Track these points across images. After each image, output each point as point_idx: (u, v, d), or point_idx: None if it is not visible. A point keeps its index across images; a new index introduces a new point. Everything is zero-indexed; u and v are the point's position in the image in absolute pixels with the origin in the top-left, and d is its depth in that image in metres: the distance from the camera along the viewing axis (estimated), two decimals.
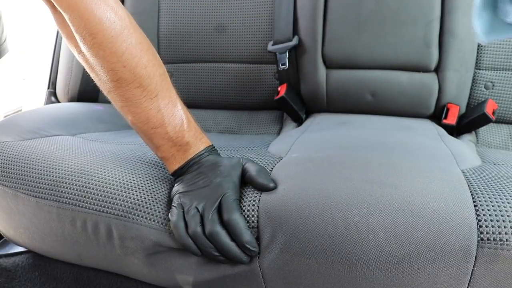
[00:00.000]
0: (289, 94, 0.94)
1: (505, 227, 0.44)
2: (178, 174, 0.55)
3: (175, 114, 0.54)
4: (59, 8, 0.49)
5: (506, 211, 0.46)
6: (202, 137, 0.57)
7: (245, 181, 0.54)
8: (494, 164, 0.63)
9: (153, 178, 0.58)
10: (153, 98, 0.52)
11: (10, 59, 1.11)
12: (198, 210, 0.50)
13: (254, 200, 0.52)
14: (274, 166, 0.59)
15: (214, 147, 0.58)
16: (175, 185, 0.55)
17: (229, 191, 0.51)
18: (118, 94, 0.52)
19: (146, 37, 0.54)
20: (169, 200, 0.55)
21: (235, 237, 0.49)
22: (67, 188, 0.58)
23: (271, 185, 0.52)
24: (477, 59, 0.89)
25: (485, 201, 0.47)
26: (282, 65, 0.95)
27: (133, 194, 0.55)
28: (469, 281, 0.45)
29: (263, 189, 0.52)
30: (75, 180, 0.58)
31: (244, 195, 0.53)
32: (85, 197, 0.56)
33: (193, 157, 0.54)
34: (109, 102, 0.56)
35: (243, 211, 0.51)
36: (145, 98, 0.52)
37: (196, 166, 0.54)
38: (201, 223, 0.50)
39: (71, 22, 0.49)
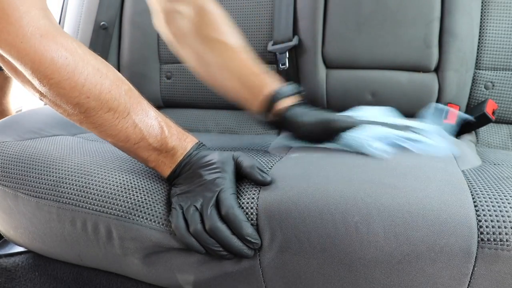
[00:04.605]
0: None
1: (505, 227, 0.44)
2: (172, 178, 0.55)
3: (152, 124, 0.53)
4: (8, 57, 0.48)
5: (506, 211, 0.46)
6: (187, 137, 0.56)
7: (240, 175, 0.54)
8: (494, 164, 0.63)
9: (152, 178, 0.58)
10: (126, 117, 0.52)
11: None
12: (196, 208, 0.50)
13: (253, 198, 0.52)
14: (273, 166, 0.59)
15: (201, 143, 0.57)
16: (172, 188, 0.55)
17: (225, 186, 0.51)
18: (91, 123, 0.52)
19: (103, 61, 0.53)
20: (169, 201, 0.55)
21: (236, 230, 0.49)
22: (67, 188, 0.58)
23: (268, 179, 0.53)
24: (477, 59, 0.89)
25: (485, 201, 0.47)
26: (282, 65, 0.95)
27: (133, 195, 0.55)
28: (469, 281, 0.45)
29: (260, 184, 0.53)
30: (75, 180, 0.58)
31: (243, 193, 0.53)
32: (85, 197, 0.56)
33: (182, 159, 0.55)
34: None
35: (242, 209, 0.51)
36: (118, 119, 0.51)
37: (188, 166, 0.54)
38: (201, 221, 0.50)
39: (23, 68, 0.48)
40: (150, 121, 0.53)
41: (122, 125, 0.52)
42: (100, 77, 0.51)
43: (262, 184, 0.53)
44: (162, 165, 0.55)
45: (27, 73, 0.49)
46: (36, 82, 0.49)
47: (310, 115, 0.64)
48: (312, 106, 0.66)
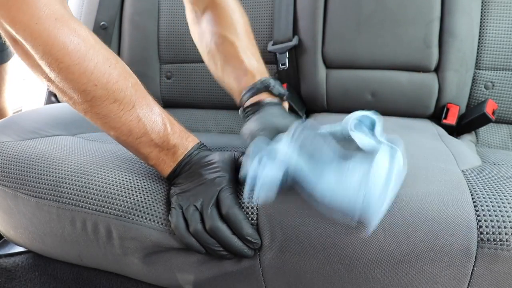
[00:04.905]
0: (289, 94, 0.94)
1: (505, 227, 0.44)
2: (172, 177, 0.55)
3: (156, 120, 0.54)
4: (20, 39, 0.49)
5: (506, 211, 0.46)
6: (188, 136, 0.57)
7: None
8: (494, 164, 0.63)
9: (152, 178, 0.58)
10: (131, 110, 0.52)
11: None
12: (196, 208, 0.50)
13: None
14: None
15: (202, 144, 0.58)
16: (172, 187, 0.55)
17: (225, 186, 0.51)
18: (96, 113, 0.52)
19: (112, 53, 0.54)
20: (168, 200, 0.55)
21: (236, 230, 0.49)
22: (67, 188, 0.58)
23: None
24: (477, 59, 0.89)
25: (485, 201, 0.47)
26: (282, 65, 0.95)
27: (132, 195, 0.55)
28: (469, 281, 0.45)
29: None
30: (75, 180, 0.58)
31: (243, 193, 0.53)
32: (84, 197, 0.56)
33: (183, 158, 0.55)
34: None
35: (243, 208, 0.51)
36: (123, 112, 0.52)
37: (188, 166, 0.54)
38: (202, 220, 0.50)
39: (34, 51, 0.49)
40: (154, 116, 0.54)
41: (126, 118, 0.52)
42: (109, 66, 0.51)
43: None
44: (162, 164, 0.55)
45: (37, 56, 0.49)
46: (46, 66, 0.49)
47: (257, 120, 0.60)
48: (281, 110, 0.62)
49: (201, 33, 0.71)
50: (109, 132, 0.54)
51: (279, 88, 0.65)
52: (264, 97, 0.64)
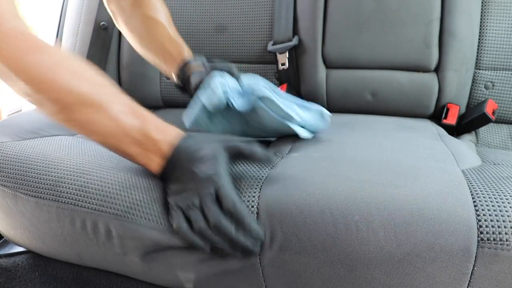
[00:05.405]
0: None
1: (505, 227, 0.44)
2: (164, 175, 0.55)
3: (131, 118, 0.53)
4: None
5: (506, 211, 0.46)
6: (169, 128, 0.56)
7: (239, 158, 0.55)
8: (494, 164, 0.63)
9: (151, 176, 0.58)
10: (105, 111, 0.52)
11: None
12: (197, 207, 0.50)
13: (254, 197, 0.52)
14: (274, 166, 0.59)
15: (186, 134, 0.56)
16: (167, 187, 0.54)
17: (223, 181, 0.50)
18: (73, 120, 0.52)
19: (79, 59, 0.55)
20: (167, 200, 0.55)
21: (240, 224, 0.49)
22: (66, 188, 0.58)
23: (270, 155, 0.54)
24: (477, 59, 0.89)
25: (485, 201, 0.47)
26: (282, 65, 0.95)
27: (131, 194, 0.55)
28: (469, 281, 0.45)
29: (264, 161, 0.55)
30: (74, 180, 0.58)
31: (243, 192, 0.53)
32: (84, 196, 0.56)
33: (170, 153, 0.53)
34: None
35: None
36: (97, 114, 0.52)
37: (178, 163, 0.53)
38: (204, 219, 0.49)
39: (6, 68, 0.50)
40: (129, 115, 0.53)
41: (101, 121, 0.52)
42: (78, 72, 0.52)
43: (266, 161, 0.54)
44: (150, 162, 0.55)
45: (11, 73, 0.50)
46: (19, 81, 0.50)
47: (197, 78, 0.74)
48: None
49: (122, 12, 0.81)
50: (92, 138, 0.54)
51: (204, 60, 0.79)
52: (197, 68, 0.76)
